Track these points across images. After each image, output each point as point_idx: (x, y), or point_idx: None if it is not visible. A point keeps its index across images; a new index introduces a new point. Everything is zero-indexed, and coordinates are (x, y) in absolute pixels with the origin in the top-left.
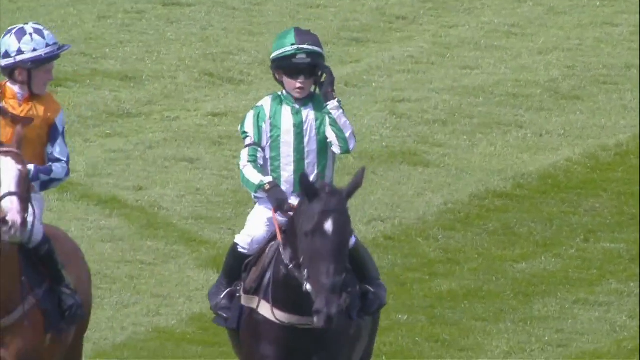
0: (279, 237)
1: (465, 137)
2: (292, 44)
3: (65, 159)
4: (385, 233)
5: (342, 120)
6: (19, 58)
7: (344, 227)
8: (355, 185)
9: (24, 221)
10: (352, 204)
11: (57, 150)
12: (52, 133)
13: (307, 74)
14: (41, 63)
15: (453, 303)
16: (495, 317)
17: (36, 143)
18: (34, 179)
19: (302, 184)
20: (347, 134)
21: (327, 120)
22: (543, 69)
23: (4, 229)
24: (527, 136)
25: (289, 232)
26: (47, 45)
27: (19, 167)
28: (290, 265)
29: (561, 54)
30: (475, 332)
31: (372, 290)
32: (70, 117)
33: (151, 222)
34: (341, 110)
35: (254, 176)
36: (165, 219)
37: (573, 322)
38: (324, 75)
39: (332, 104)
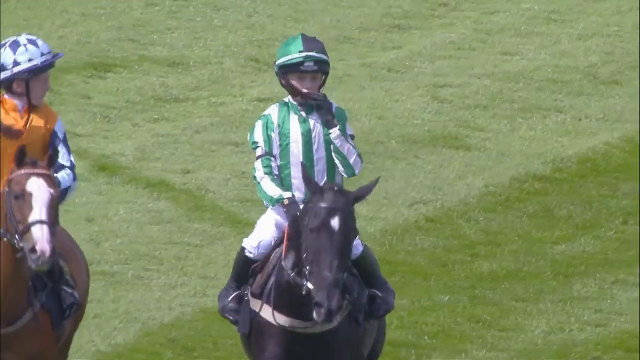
0: (284, 249)
1: (505, 122)
2: (300, 51)
3: (68, 165)
4: (427, 215)
5: (346, 148)
6: (16, 69)
7: (349, 225)
8: (367, 191)
9: (53, 251)
10: (395, 187)
11: (59, 157)
12: (53, 141)
13: (311, 79)
14: (38, 72)
15: (494, 284)
16: (535, 297)
17: (40, 154)
18: None
19: (303, 177)
20: (352, 160)
21: (332, 147)
22: (582, 54)
23: (33, 257)
24: (567, 120)
25: (293, 235)
26: (42, 54)
27: (51, 190)
28: (292, 274)
29: (600, 39)
30: (516, 312)
31: (379, 295)
32: (119, 102)
33: (198, 204)
34: (343, 137)
35: (272, 189)
36: (212, 202)
37: (612, 302)
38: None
39: (334, 132)
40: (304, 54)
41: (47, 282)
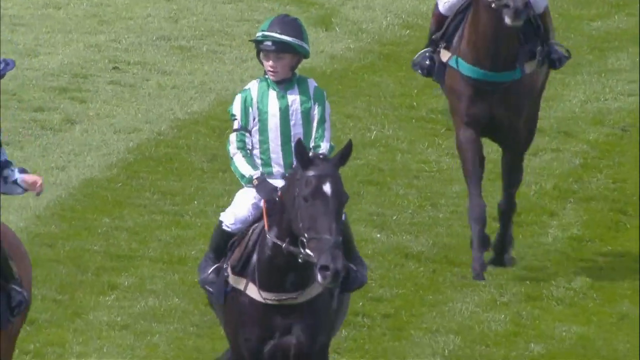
0: (266, 223)
1: None
2: (262, 30)
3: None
4: None
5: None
6: None
7: (340, 190)
8: (347, 154)
9: None
10: None
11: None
12: None
13: (274, 58)
14: None
15: None
16: (573, 70)
17: None
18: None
19: (298, 151)
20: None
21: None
22: None
23: None
24: None
25: (277, 208)
26: None
27: None
28: (284, 244)
29: None
30: (555, 83)
31: (354, 268)
32: None
33: None
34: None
35: (244, 168)
36: None
37: None
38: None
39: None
40: (264, 33)
41: None
